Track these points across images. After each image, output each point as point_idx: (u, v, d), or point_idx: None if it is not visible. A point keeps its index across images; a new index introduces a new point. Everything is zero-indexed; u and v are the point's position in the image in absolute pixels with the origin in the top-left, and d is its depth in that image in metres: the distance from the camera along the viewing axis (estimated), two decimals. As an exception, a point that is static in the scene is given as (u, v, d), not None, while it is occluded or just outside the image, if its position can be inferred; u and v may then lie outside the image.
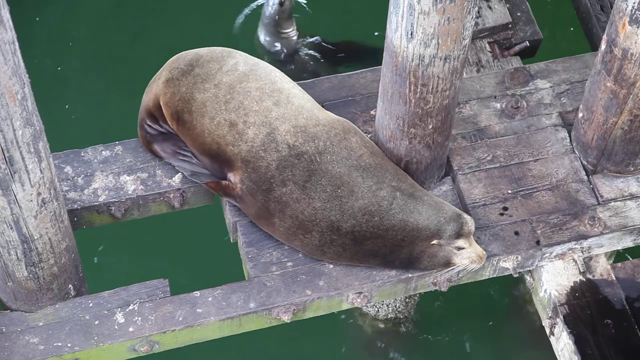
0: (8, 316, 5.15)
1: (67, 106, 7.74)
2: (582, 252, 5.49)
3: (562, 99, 5.89)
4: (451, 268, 5.21)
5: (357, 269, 5.28)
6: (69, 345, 5.07)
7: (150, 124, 5.49)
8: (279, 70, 5.45)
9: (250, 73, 5.32)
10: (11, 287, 5.03)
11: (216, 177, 5.35)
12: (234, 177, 5.22)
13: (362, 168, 5.16)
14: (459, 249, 5.15)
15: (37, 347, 5.06)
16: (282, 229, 5.20)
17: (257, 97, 5.23)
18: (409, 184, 5.22)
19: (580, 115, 5.58)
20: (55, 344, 5.07)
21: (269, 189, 5.13)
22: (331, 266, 5.30)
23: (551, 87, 5.93)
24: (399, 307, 6.27)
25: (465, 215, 5.17)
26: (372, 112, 5.70)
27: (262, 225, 5.30)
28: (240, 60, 5.40)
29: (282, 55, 7.82)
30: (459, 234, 5.12)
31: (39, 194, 4.64)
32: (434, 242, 5.13)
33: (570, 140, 5.73)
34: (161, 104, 5.39)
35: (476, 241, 5.31)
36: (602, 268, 5.54)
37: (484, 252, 5.21)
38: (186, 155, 5.46)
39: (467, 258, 5.17)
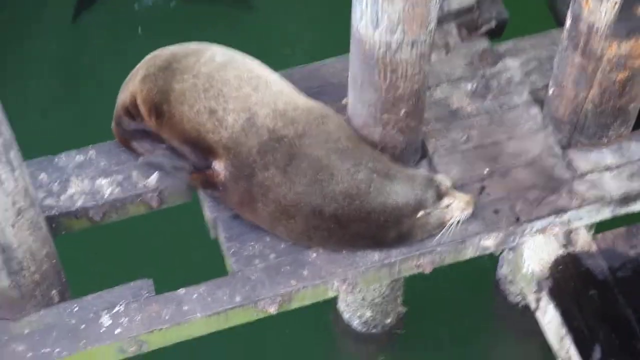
0: (-8, 326, 5.12)
1: (36, 113, 7.71)
2: (562, 225, 5.51)
3: (531, 76, 5.92)
4: (448, 225, 5.26)
5: (340, 256, 5.28)
6: (56, 350, 5.03)
7: (127, 121, 5.48)
8: (256, 60, 5.50)
9: (228, 63, 5.36)
10: (-7, 297, 5.01)
11: (196, 168, 5.35)
12: (217, 165, 5.22)
13: (340, 151, 5.18)
14: (447, 206, 5.21)
15: (25, 354, 5.01)
16: (265, 214, 5.20)
17: (236, 84, 5.26)
18: (384, 163, 5.24)
19: (551, 91, 5.61)
20: (42, 351, 5.03)
21: (252, 174, 5.13)
22: (314, 255, 5.29)
23: (520, 65, 5.96)
24: (384, 291, 6.26)
25: (437, 176, 5.25)
26: (344, 101, 5.71)
27: (245, 213, 5.29)
28: (217, 51, 5.45)
29: None
30: (440, 196, 5.17)
31: (14, 203, 4.62)
32: (420, 214, 5.17)
33: (543, 117, 5.76)
34: (138, 101, 5.39)
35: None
36: (583, 240, 5.57)
37: (470, 196, 5.30)
38: (165, 150, 5.45)
39: (458, 209, 5.24)
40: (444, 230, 5.28)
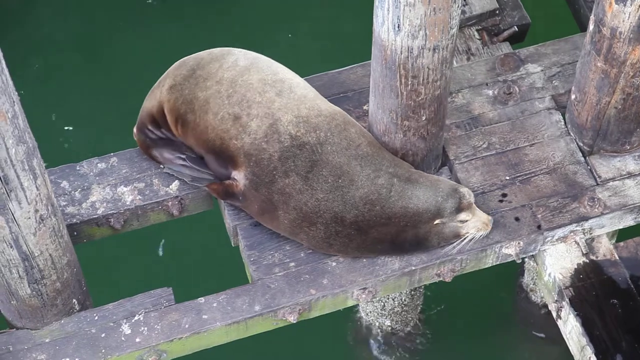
0: (14, 335, 5.14)
1: (60, 121, 7.74)
2: (583, 233, 5.48)
3: (553, 81, 5.88)
4: (461, 240, 5.24)
5: (360, 264, 5.28)
6: (76, 359, 5.07)
7: (151, 129, 5.50)
8: (279, 63, 5.48)
9: (251, 67, 5.35)
10: (15, 306, 5.02)
11: (217, 179, 5.36)
12: (237, 174, 5.23)
13: (360, 157, 5.18)
14: (463, 222, 5.18)
15: (45, 364, 5.06)
16: (286, 222, 5.20)
17: (260, 88, 5.25)
18: (405, 169, 5.24)
19: (573, 97, 5.58)
20: (63, 360, 5.08)
21: (272, 181, 5.14)
22: (334, 264, 5.29)
23: (542, 70, 5.92)
24: (404, 300, 6.26)
25: (462, 189, 5.20)
26: (365, 107, 5.70)
27: (266, 221, 5.30)
28: (240, 56, 5.43)
29: None
30: (459, 209, 5.16)
31: (36, 210, 4.63)
32: (437, 221, 5.15)
33: (565, 123, 5.73)
34: (165, 110, 5.40)
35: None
36: (605, 248, 5.54)
37: (489, 217, 5.27)
38: (185, 160, 5.46)
39: (473, 228, 5.22)
40: (455, 243, 5.26)
